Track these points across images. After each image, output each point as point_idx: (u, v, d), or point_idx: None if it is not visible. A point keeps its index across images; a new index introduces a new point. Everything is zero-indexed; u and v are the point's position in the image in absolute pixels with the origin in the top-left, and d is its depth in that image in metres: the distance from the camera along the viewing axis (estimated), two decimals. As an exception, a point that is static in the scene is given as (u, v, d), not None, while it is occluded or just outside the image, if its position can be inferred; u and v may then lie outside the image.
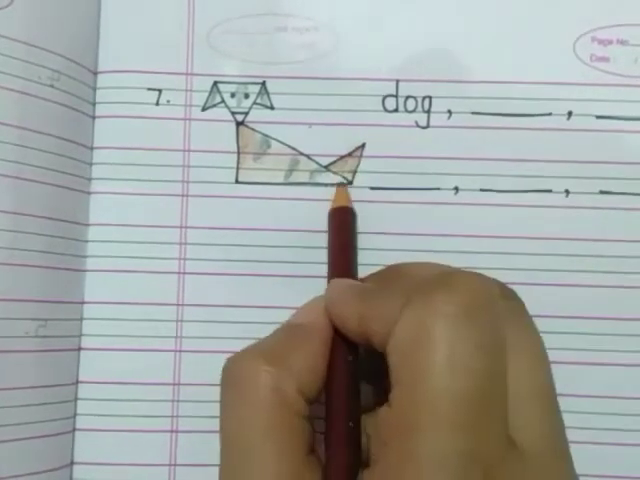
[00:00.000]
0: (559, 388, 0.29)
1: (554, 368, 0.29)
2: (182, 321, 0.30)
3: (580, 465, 0.29)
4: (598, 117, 0.31)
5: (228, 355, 0.30)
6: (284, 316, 0.25)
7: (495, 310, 0.20)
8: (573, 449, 0.29)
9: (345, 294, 0.24)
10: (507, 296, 0.22)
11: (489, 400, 0.19)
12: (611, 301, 0.30)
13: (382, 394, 0.21)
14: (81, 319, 0.30)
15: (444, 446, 0.18)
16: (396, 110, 0.31)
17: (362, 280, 0.27)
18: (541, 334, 0.29)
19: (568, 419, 0.29)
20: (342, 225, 0.29)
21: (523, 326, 0.21)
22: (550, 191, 0.30)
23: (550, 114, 0.31)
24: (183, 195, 0.31)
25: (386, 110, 0.31)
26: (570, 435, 0.29)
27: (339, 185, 0.30)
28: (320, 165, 0.31)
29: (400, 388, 0.19)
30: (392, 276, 0.24)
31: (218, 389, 0.30)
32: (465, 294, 0.20)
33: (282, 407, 0.21)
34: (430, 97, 0.31)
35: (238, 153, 0.31)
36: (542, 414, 0.20)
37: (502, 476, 0.18)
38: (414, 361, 0.19)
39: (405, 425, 0.19)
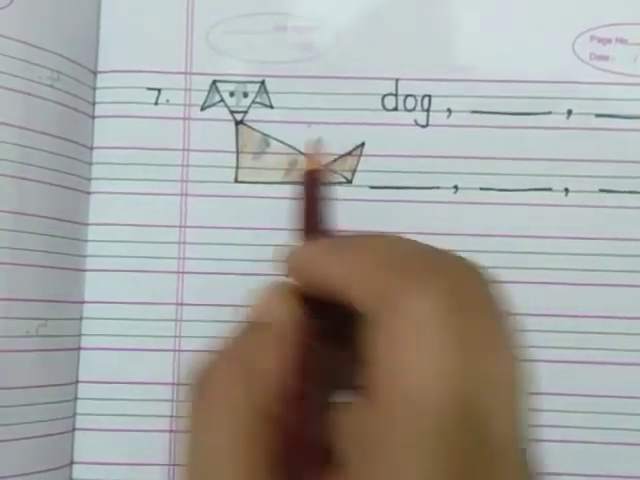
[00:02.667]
0: (561, 387, 0.29)
1: (556, 367, 0.30)
2: (181, 320, 0.30)
3: (582, 464, 0.29)
4: (597, 115, 0.31)
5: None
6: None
7: (487, 299, 0.19)
8: (579, 449, 0.29)
9: (321, 253, 0.22)
10: (487, 291, 0.21)
11: (464, 402, 0.18)
12: (611, 299, 0.30)
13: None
14: (81, 318, 0.30)
15: (423, 445, 0.17)
16: (395, 109, 0.31)
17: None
18: (541, 332, 0.30)
19: (566, 418, 0.30)
20: (314, 191, 0.29)
21: (494, 320, 0.21)
22: (550, 189, 0.30)
23: (550, 113, 0.31)
24: (182, 194, 0.31)
25: (385, 109, 0.31)
26: (574, 435, 0.29)
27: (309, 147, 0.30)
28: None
29: (382, 383, 0.18)
30: (373, 242, 0.22)
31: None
32: (461, 284, 0.19)
33: (253, 412, 0.20)
34: (429, 96, 0.31)
35: (237, 152, 0.31)
36: (514, 405, 0.19)
37: (480, 471, 0.18)
38: (399, 358, 0.18)
39: (386, 422, 0.18)
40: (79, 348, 0.30)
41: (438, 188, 0.30)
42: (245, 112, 0.31)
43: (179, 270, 0.30)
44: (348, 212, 0.30)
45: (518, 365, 0.19)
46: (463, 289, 0.19)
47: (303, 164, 0.29)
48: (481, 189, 0.30)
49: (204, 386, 0.21)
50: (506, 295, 0.21)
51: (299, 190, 0.28)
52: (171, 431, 0.30)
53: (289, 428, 0.21)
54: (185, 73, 0.31)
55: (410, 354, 0.18)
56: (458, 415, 0.18)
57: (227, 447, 0.20)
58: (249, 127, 0.31)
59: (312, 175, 0.28)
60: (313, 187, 0.28)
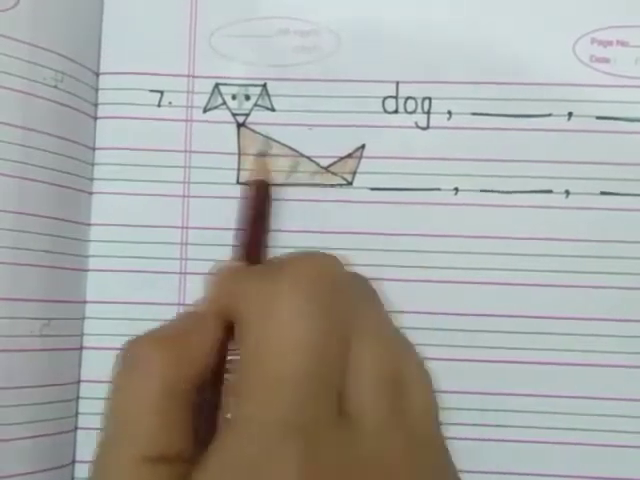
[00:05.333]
0: (560, 389, 0.29)
1: (557, 370, 0.29)
2: (183, 321, 0.30)
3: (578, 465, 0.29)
4: (598, 118, 0.31)
5: (228, 355, 0.30)
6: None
7: (339, 292, 0.22)
8: (573, 450, 0.29)
9: (222, 275, 0.25)
10: (358, 281, 0.23)
11: (318, 376, 0.20)
12: (612, 302, 0.30)
13: None
14: (83, 318, 0.30)
15: (263, 414, 0.19)
16: (396, 111, 0.31)
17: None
18: (541, 335, 0.30)
19: (563, 420, 0.29)
20: (258, 201, 0.29)
21: (372, 311, 0.23)
22: (550, 192, 0.30)
23: (550, 115, 0.31)
24: (184, 196, 0.31)
25: (386, 111, 0.31)
26: (568, 436, 0.29)
27: (259, 155, 0.31)
28: (320, 166, 0.31)
29: (240, 361, 0.21)
30: (275, 261, 0.24)
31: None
32: (307, 276, 0.21)
33: (167, 392, 0.22)
34: (430, 98, 0.31)
35: (239, 154, 0.31)
36: (381, 395, 0.21)
37: (327, 443, 0.19)
38: (251, 335, 0.21)
39: (240, 392, 0.20)
40: (81, 348, 0.30)
41: (439, 190, 0.31)
42: (247, 115, 0.31)
43: (181, 271, 0.31)
44: (348, 214, 0.31)
45: (382, 353, 0.21)
46: (317, 283, 0.21)
47: (252, 171, 0.30)
48: (482, 191, 0.30)
49: (128, 354, 0.22)
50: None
51: (245, 198, 0.29)
52: (171, 431, 0.30)
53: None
54: (188, 76, 0.31)
55: (262, 335, 0.20)
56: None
57: (139, 417, 0.21)
58: (251, 129, 0.31)
59: (259, 185, 0.29)
60: (258, 198, 0.29)
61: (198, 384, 0.23)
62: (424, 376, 0.22)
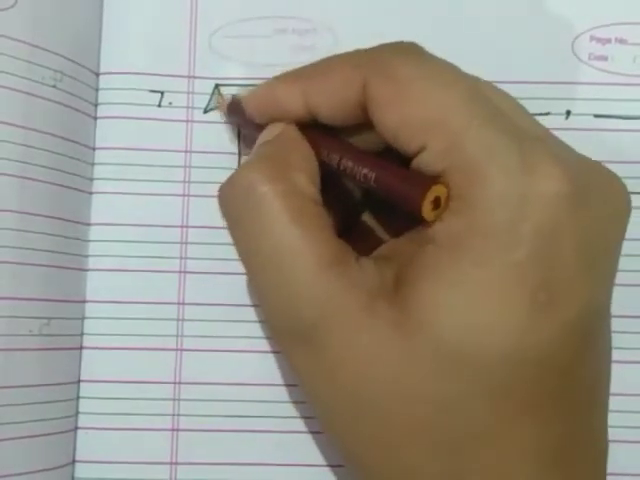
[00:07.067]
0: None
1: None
2: (183, 320, 0.30)
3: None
4: (597, 116, 0.31)
5: (229, 354, 0.30)
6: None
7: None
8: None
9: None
10: None
11: None
12: (612, 299, 0.30)
13: None
14: (83, 318, 0.30)
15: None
16: (395, 110, 0.31)
17: None
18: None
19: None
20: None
21: None
22: (550, 190, 0.30)
23: (548, 113, 0.31)
24: (184, 195, 0.31)
25: (385, 110, 0.31)
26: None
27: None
28: (320, 165, 0.31)
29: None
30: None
31: (218, 388, 0.30)
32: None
33: (300, 197, 0.22)
34: (429, 97, 0.31)
35: (239, 154, 0.31)
36: None
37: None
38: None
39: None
40: (81, 347, 0.30)
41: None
42: (247, 115, 0.31)
43: (181, 270, 0.31)
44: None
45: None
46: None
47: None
48: (481, 189, 0.30)
49: (248, 194, 0.22)
50: None
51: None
52: (172, 429, 0.30)
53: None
54: (188, 76, 0.31)
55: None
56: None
57: (287, 233, 0.22)
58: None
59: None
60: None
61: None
62: None
